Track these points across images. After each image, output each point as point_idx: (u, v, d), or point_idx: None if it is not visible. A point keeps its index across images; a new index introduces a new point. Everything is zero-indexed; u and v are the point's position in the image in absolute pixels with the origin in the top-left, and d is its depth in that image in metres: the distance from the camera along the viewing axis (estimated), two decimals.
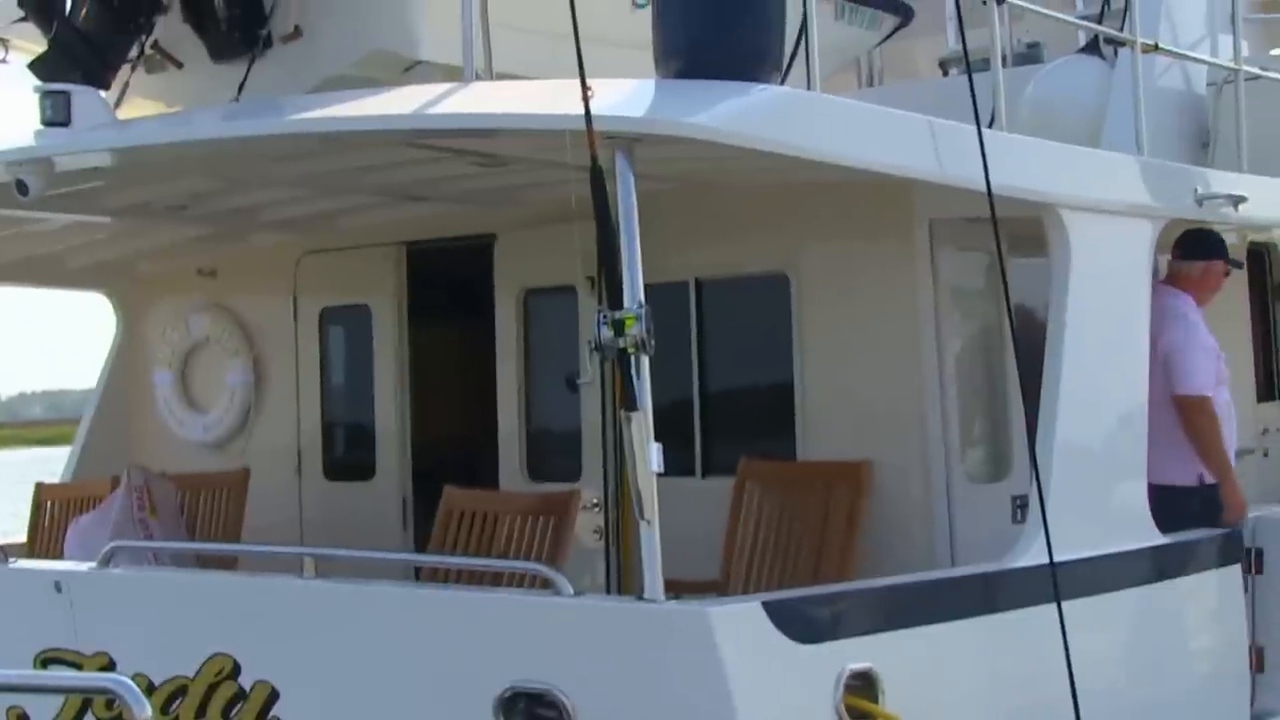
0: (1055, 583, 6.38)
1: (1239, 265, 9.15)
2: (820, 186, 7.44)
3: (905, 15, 9.61)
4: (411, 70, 7.52)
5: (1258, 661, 8.37)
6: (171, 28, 7.80)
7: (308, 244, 9.82)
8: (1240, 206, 8.74)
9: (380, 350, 9.91)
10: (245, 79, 7.67)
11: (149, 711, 4.64)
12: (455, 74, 6.90)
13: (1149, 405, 8.23)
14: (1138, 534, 7.65)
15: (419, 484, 9.66)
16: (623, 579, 8.42)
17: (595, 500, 8.67)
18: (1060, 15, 9.53)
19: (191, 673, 6.19)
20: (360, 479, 9.95)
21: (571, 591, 5.78)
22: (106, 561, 6.74)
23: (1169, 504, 8.12)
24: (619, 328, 5.45)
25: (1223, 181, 8.83)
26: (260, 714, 6.10)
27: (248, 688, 6.11)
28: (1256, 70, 9.94)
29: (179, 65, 7.93)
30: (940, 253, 8.02)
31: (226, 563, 8.53)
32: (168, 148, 7.05)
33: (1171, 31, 9.84)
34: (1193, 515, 8.24)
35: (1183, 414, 8.32)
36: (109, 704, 6.13)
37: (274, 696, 6.08)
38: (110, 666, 6.27)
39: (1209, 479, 8.39)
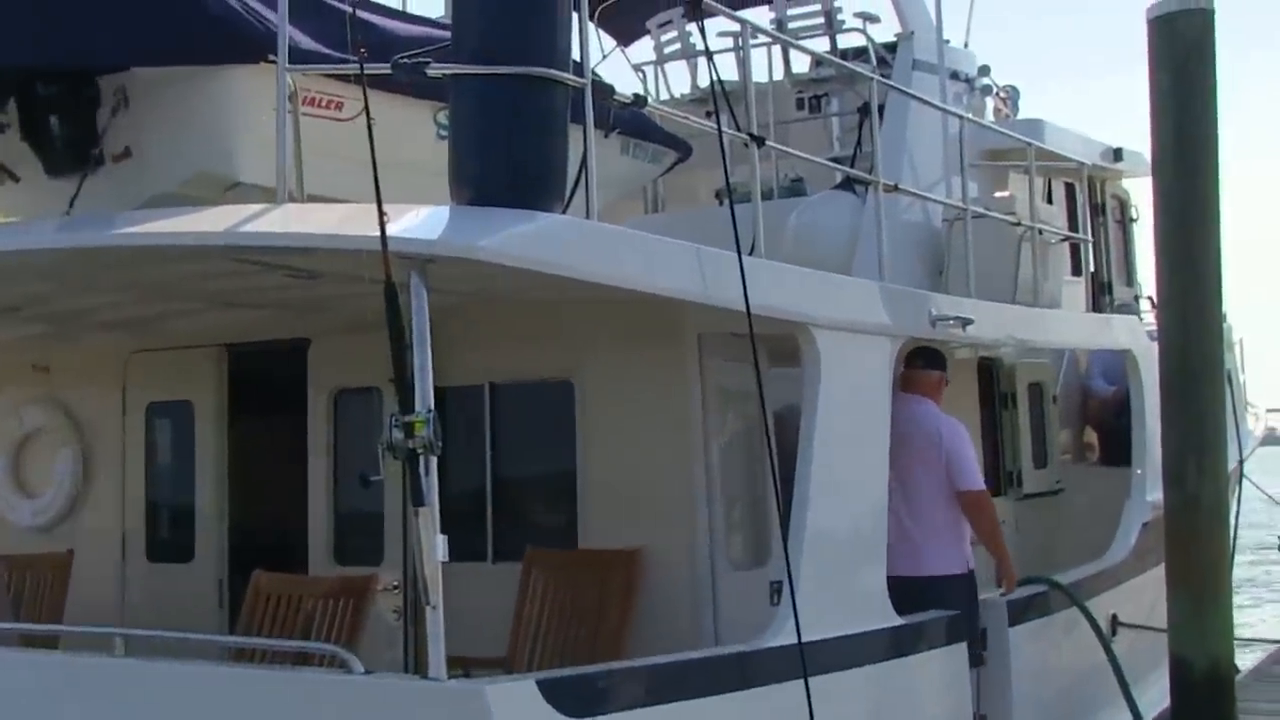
0: (803, 661, 6.33)
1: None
2: (601, 302, 7.33)
3: (685, 151, 9.64)
4: (233, 190, 7.31)
5: None
6: (9, 145, 7.54)
7: (136, 344, 9.48)
8: (968, 328, 8.87)
9: (201, 442, 9.57)
10: (77, 193, 7.43)
11: None
12: (271, 195, 6.71)
13: (924, 503, 8.32)
14: (877, 616, 7.66)
15: (235, 566, 9.31)
16: (418, 655, 8.22)
17: (395, 583, 8.43)
18: (811, 158, 9.66)
19: None
20: (180, 560, 9.57)
21: (362, 670, 5.63)
22: None
23: (945, 590, 8.21)
24: (409, 430, 5.38)
25: (954, 305, 8.97)
26: None
27: None
28: (981, 210, 10.17)
29: (16, 179, 7.68)
30: (708, 363, 7.94)
31: (49, 639, 8.17)
32: (2, 255, 6.77)
33: (913, 173, 10.04)
34: (966, 598, 8.33)
35: (968, 507, 8.42)
36: None
37: None
38: None
39: (972, 565, 8.48)
